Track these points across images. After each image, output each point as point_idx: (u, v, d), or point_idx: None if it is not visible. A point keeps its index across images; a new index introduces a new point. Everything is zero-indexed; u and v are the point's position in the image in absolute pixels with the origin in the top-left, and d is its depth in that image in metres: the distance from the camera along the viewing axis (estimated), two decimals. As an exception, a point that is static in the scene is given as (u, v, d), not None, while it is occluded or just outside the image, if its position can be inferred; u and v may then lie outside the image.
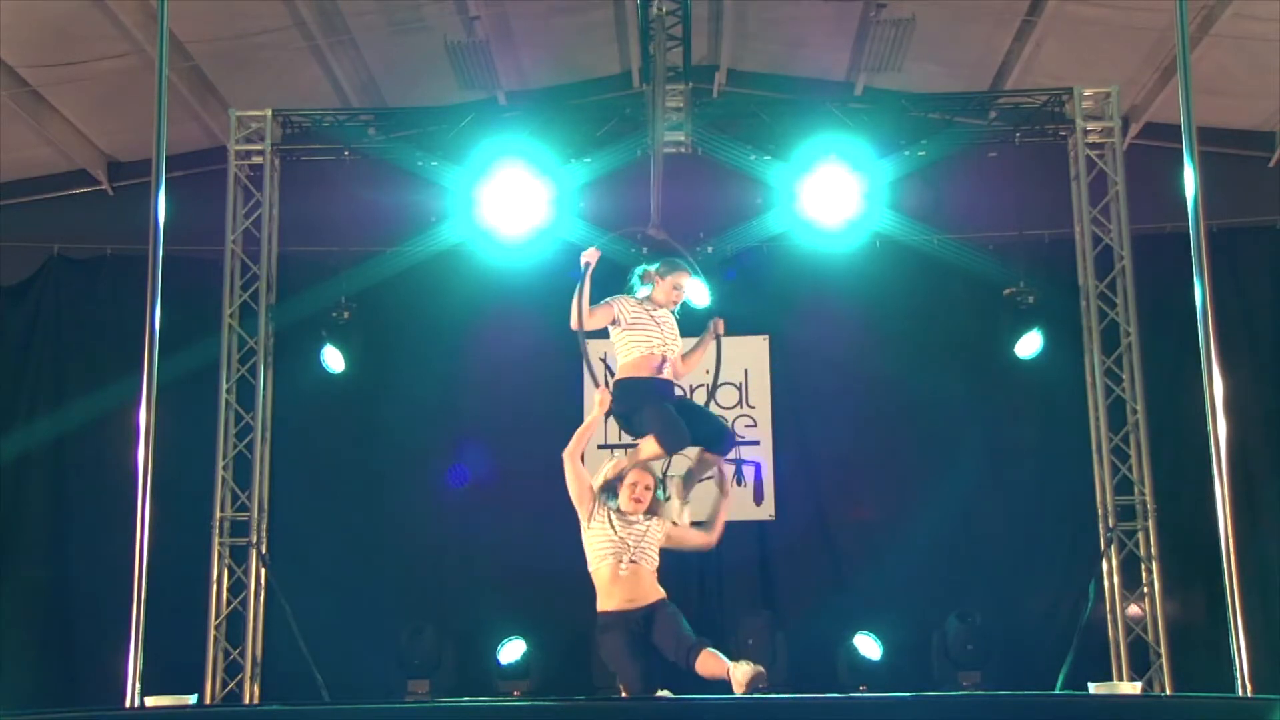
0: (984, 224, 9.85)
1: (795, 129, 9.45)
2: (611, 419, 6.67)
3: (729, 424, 6.63)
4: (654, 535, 6.09)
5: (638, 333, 6.54)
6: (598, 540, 6.04)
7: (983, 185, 9.70)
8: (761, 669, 5.60)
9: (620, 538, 6.00)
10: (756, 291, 9.90)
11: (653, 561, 6.06)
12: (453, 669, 9.29)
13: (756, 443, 9.96)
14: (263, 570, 9.19)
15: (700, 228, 9.62)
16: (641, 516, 6.11)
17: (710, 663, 5.75)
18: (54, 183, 10.46)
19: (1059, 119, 9.50)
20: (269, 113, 9.57)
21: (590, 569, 6.05)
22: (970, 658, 9.13)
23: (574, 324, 6.62)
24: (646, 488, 6.14)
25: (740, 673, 5.55)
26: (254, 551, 9.17)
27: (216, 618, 9.11)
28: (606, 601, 6.00)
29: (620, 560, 5.98)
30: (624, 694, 6.04)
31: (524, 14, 9.53)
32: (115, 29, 8.71)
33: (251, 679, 9.12)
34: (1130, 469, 9.15)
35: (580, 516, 6.11)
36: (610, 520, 6.06)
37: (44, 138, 9.84)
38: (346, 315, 9.39)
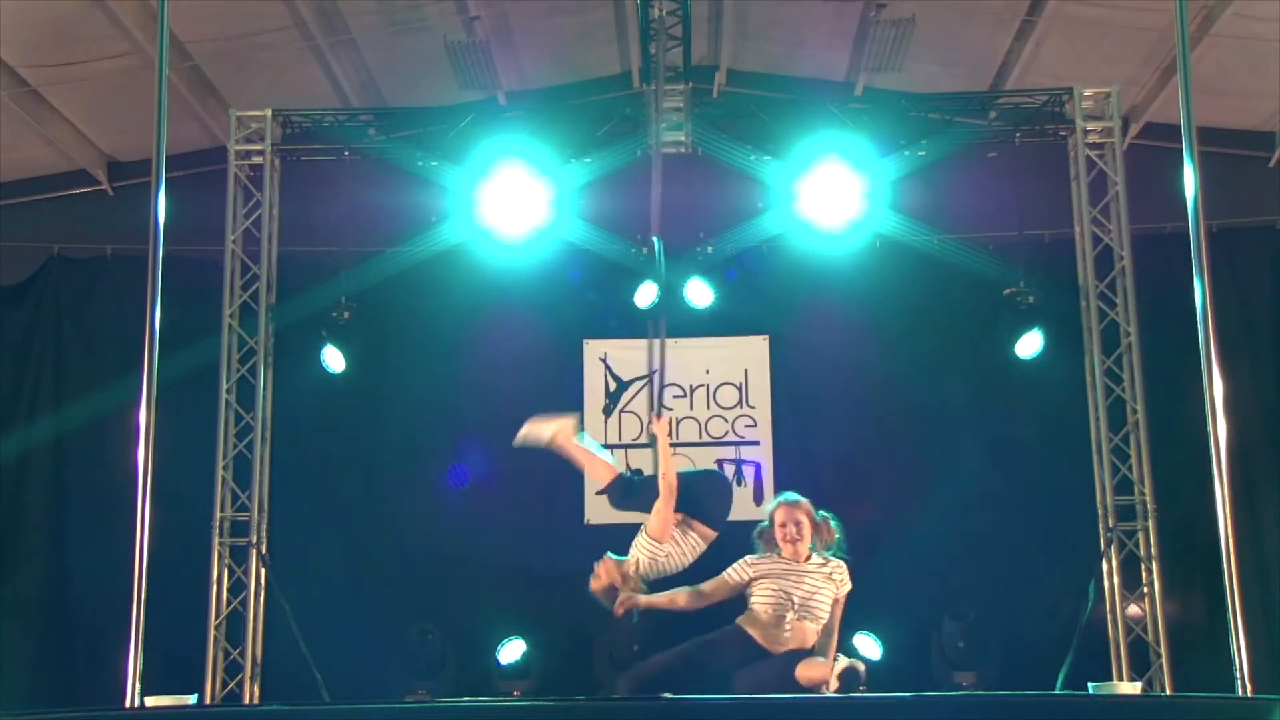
0: (984, 224, 9.85)
1: (795, 129, 9.44)
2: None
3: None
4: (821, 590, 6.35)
5: None
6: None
7: (983, 185, 9.70)
8: (856, 664, 6.00)
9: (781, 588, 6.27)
10: (756, 291, 9.90)
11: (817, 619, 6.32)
12: (453, 669, 9.29)
13: (756, 443, 9.97)
14: (263, 570, 9.19)
15: (700, 228, 9.62)
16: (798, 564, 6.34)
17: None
18: (54, 183, 10.45)
19: (1059, 119, 9.49)
20: (269, 113, 9.57)
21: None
22: (964, 657, 9.13)
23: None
24: (796, 524, 6.37)
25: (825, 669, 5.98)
26: (254, 551, 9.17)
27: (216, 618, 9.11)
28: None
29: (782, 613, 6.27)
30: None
31: (524, 14, 9.53)
32: (115, 29, 8.71)
33: (251, 679, 9.12)
34: (1130, 469, 9.15)
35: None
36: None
37: (44, 138, 9.83)
38: (346, 315, 9.39)
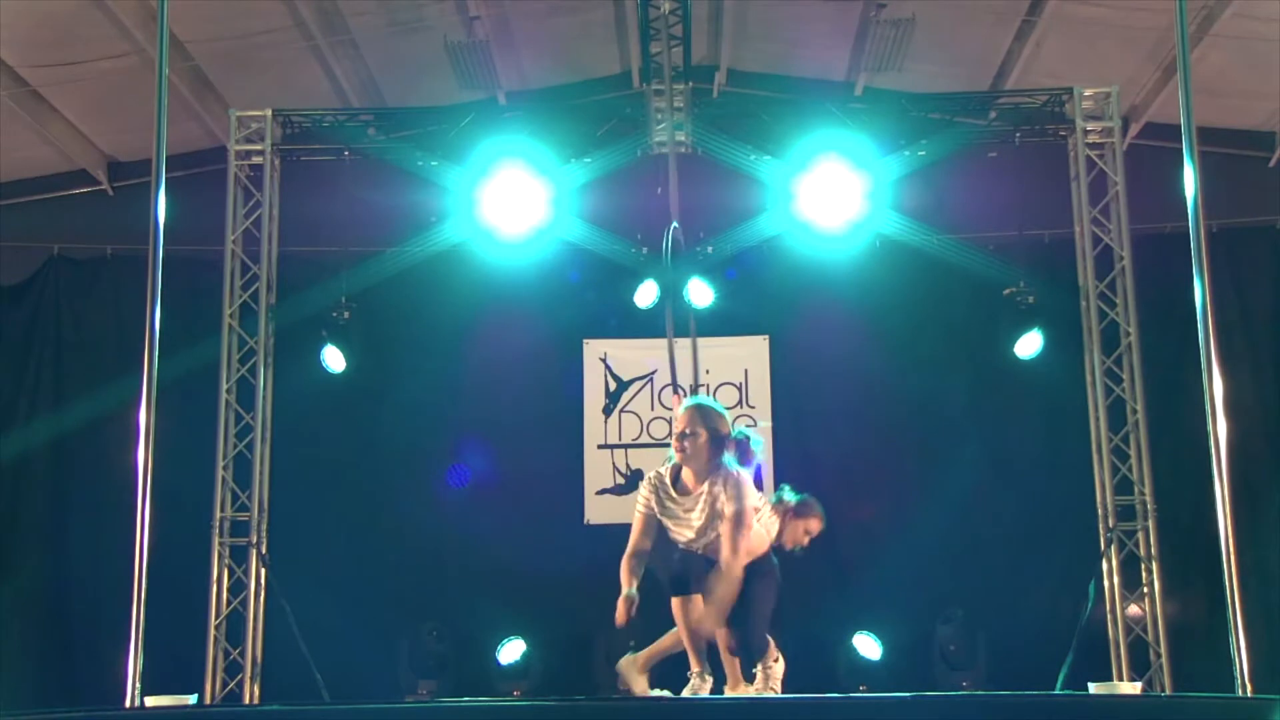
0: (984, 224, 9.85)
1: (795, 129, 9.44)
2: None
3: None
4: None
5: None
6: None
7: (983, 185, 9.70)
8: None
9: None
10: (756, 291, 9.90)
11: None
12: (453, 669, 9.31)
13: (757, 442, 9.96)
14: (263, 570, 9.18)
15: (700, 228, 9.61)
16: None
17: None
18: (54, 183, 10.46)
19: (1059, 119, 9.49)
20: (269, 113, 9.56)
21: None
22: (956, 657, 9.15)
23: None
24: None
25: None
26: (254, 551, 9.16)
27: (216, 618, 9.11)
28: None
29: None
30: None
31: (524, 14, 9.54)
32: (115, 29, 8.72)
33: (251, 679, 9.11)
34: (1130, 469, 9.15)
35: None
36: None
37: (44, 138, 9.84)
38: (346, 315, 9.38)
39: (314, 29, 9.15)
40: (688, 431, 5.74)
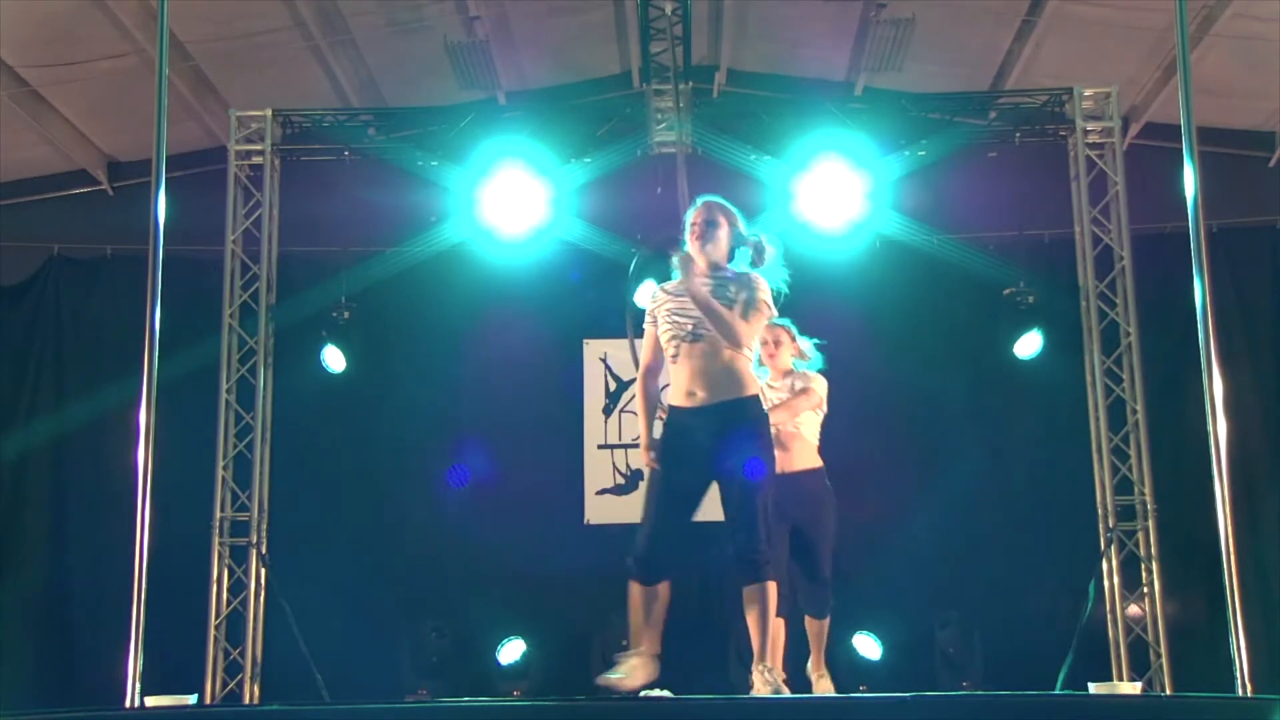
0: (984, 224, 9.85)
1: (795, 129, 9.44)
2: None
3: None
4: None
5: None
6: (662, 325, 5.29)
7: (983, 185, 9.70)
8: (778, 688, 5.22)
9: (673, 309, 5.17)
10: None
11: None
12: (453, 669, 9.31)
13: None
14: (263, 570, 9.19)
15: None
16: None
17: (753, 618, 5.15)
18: (54, 183, 10.45)
19: (1059, 119, 9.49)
20: (269, 113, 9.56)
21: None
22: (956, 658, 9.16)
23: None
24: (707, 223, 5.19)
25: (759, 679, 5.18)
26: (254, 551, 9.16)
27: (216, 618, 9.11)
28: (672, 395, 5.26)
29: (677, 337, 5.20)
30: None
31: (524, 14, 9.54)
32: (115, 29, 8.72)
33: (251, 679, 9.11)
34: (1130, 469, 9.15)
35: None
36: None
37: (44, 138, 9.83)
38: (346, 315, 9.38)
39: (314, 29, 9.16)
40: (709, 220, 5.35)
